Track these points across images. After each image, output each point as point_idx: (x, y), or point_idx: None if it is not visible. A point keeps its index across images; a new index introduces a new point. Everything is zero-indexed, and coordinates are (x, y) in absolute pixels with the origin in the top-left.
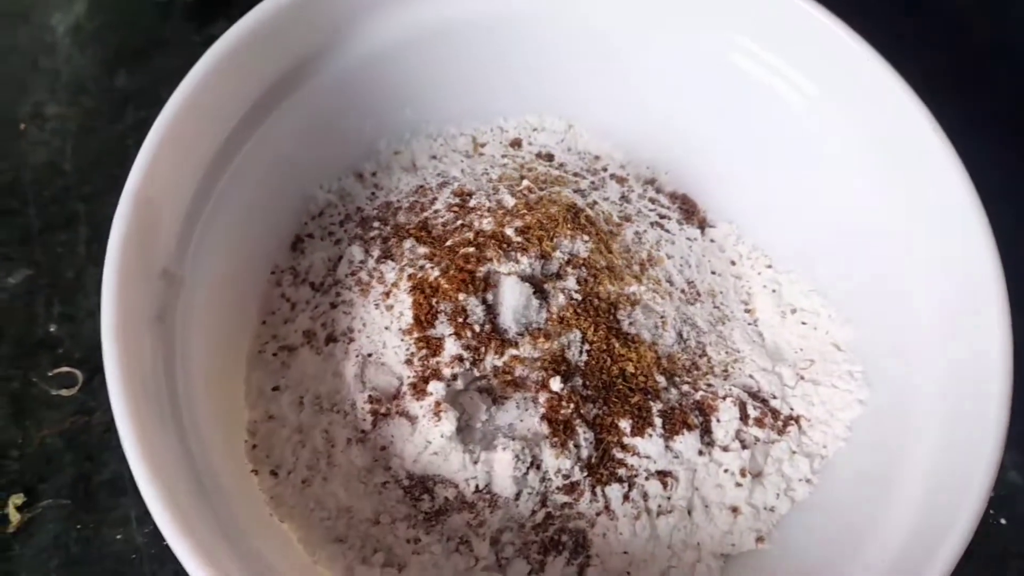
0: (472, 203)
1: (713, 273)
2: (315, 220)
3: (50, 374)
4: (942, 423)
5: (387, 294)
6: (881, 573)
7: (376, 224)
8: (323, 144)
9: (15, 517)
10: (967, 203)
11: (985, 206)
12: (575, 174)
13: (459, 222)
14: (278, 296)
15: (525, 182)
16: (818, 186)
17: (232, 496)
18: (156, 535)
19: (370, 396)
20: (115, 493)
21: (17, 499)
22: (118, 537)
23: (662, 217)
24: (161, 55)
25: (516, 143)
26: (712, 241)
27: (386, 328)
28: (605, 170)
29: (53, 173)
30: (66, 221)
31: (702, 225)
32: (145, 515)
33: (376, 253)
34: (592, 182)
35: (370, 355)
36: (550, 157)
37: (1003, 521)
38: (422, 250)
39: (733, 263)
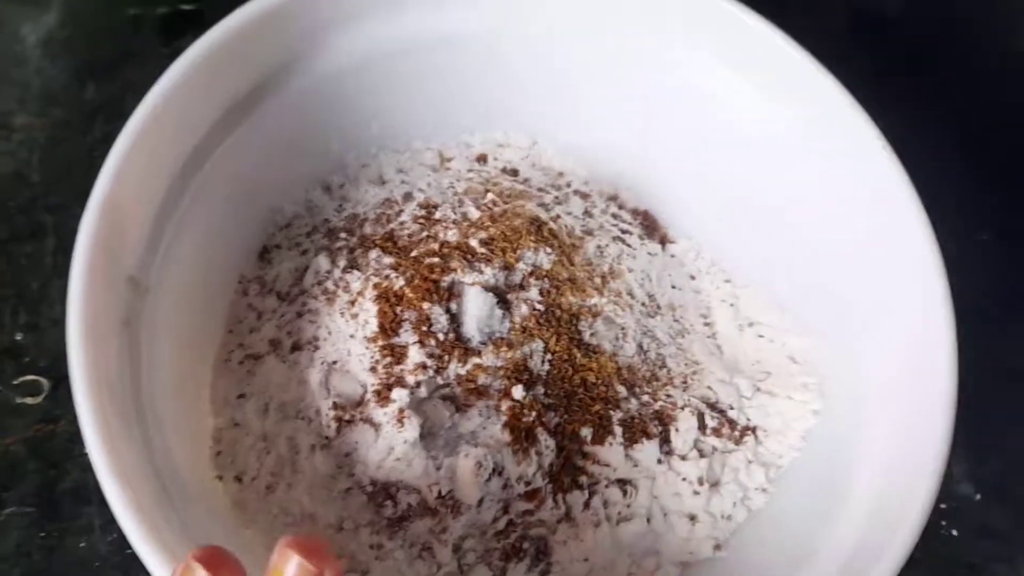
0: (437, 215)
1: (673, 287)
2: (282, 231)
3: (15, 382)
4: (889, 434)
5: (352, 303)
6: None
7: (343, 235)
8: (290, 157)
9: None
10: (912, 214)
11: (931, 213)
12: (539, 189)
13: (424, 233)
14: (245, 305)
15: (490, 195)
16: (771, 199)
17: (196, 502)
18: (120, 543)
19: (334, 403)
20: (79, 502)
21: None
22: (81, 545)
23: (624, 232)
24: (131, 68)
25: (482, 158)
26: (672, 256)
27: (351, 336)
28: (568, 186)
29: (20, 184)
30: (32, 232)
31: (663, 240)
32: (109, 523)
33: (342, 263)
34: (556, 197)
35: (335, 363)
36: (515, 172)
37: (954, 532)
38: (388, 260)
39: (693, 277)
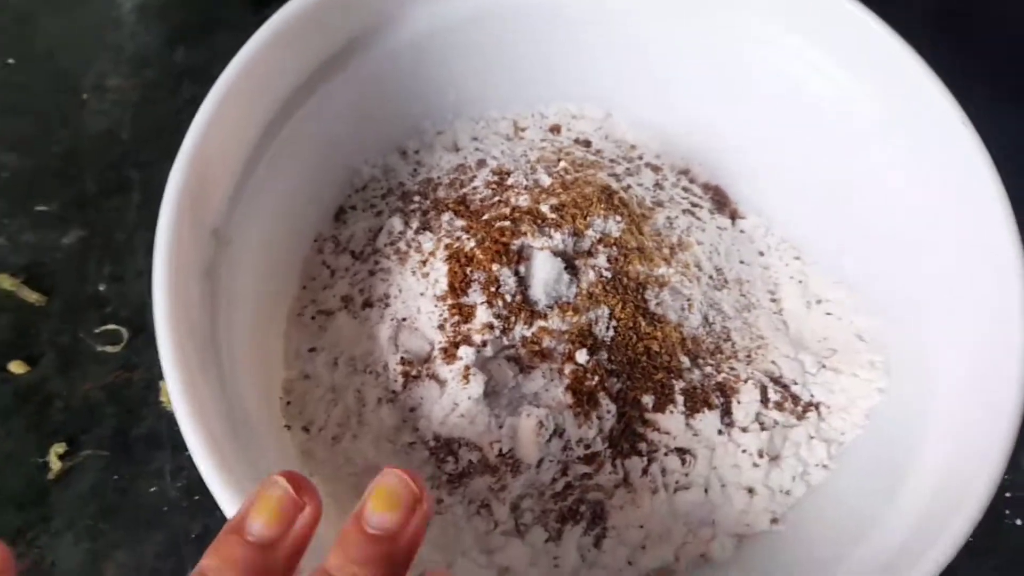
0: (510, 181)
1: (741, 262)
2: (359, 193)
3: (97, 331)
4: (956, 419)
5: (424, 262)
6: (881, 563)
7: (416, 198)
8: (369, 121)
9: (56, 465)
10: (994, 199)
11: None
12: (611, 160)
13: (496, 198)
14: (319, 263)
15: (562, 163)
16: (847, 178)
17: (266, 448)
18: (188, 490)
19: (402, 358)
20: (152, 447)
21: (59, 448)
22: (152, 490)
23: (694, 206)
24: (220, 34)
25: (555, 129)
26: (742, 232)
27: (421, 294)
28: (640, 158)
29: (111, 142)
30: (120, 187)
31: (733, 216)
32: (179, 470)
33: (415, 224)
34: (627, 168)
35: (404, 320)
36: (587, 143)
37: (1018, 522)
38: (459, 223)
39: (761, 253)
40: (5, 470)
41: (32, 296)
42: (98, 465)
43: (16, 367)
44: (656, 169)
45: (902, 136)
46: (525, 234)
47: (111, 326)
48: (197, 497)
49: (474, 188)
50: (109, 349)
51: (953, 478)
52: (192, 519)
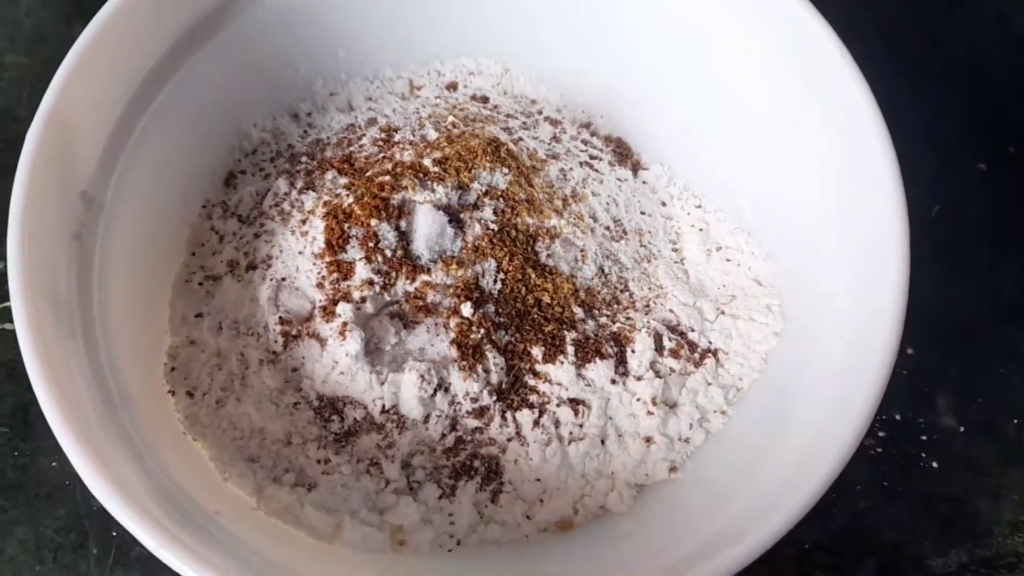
0: (396, 137)
1: (643, 213)
2: (248, 157)
3: None
4: (842, 352)
5: (304, 221)
6: (770, 493)
7: (304, 159)
8: (256, 83)
9: None
10: (878, 145)
11: (900, 148)
12: (507, 115)
13: (381, 155)
14: (207, 229)
15: (451, 118)
16: (743, 126)
17: (144, 415)
18: None
19: (280, 318)
20: None
21: None
22: (53, 464)
23: (593, 158)
24: None
25: (452, 86)
26: (644, 183)
27: (300, 253)
28: (540, 113)
29: (9, 120)
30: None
31: (635, 167)
32: None
33: (299, 185)
34: (523, 123)
35: (284, 279)
36: (485, 99)
37: (935, 464)
38: (342, 180)
39: (664, 204)
40: None
41: None
42: None
43: None
44: (555, 123)
45: (787, 75)
46: (406, 188)
47: (8, 304)
48: None
49: (361, 146)
50: (8, 327)
51: (837, 408)
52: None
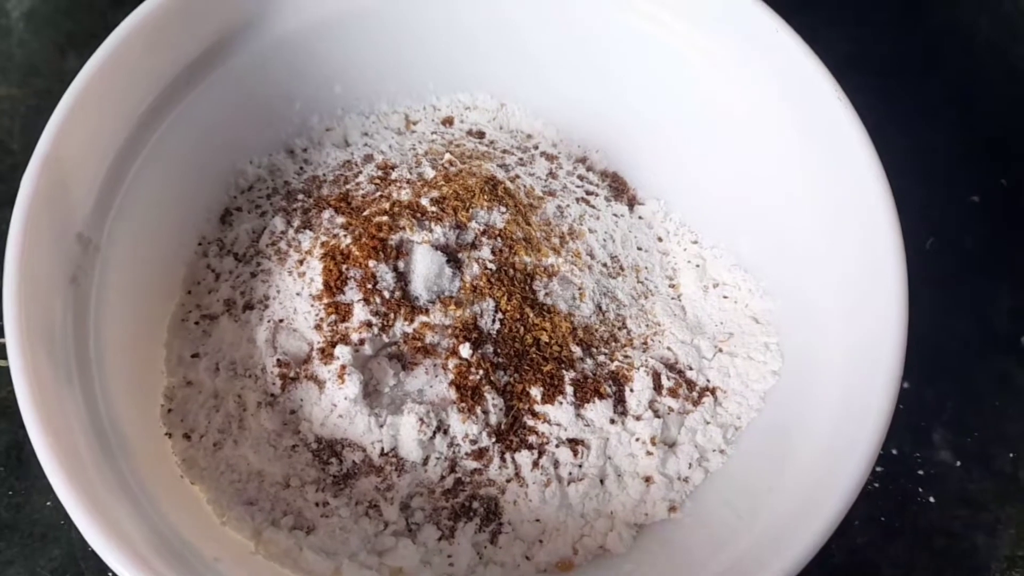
0: (393, 175)
1: (639, 249)
2: (244, 194)
3: None
4: (841, 393)
5: (301, 261)
6: (771, 537)
7: (300, 197)
8: (252, 119)
9: None
10: (872, 179)
11: (893, 182)
12: (504, 151)
13: (378, 193)
14: (204, 267)
15: (447, 155)
16: (739, 162)
17: (141, 459)
18: None
19: (279, 360)
20: None
21: None
22: (48, 504)
23: (589, 193)
24: None
25: (448, 121)
26: (640, 218)
27: (297, 294)
28: (536, 147)
29: (1, 152)
30: (10, 199)
31: (631, 202)
32: None
33: (296, 223)
34: (520, 158)
35: (282, 321)
36: (481, 135)
37: (931, 499)
38: (340, 220)
39: (660, 239)
40: None
41: None
42: None
43: None
44: (551, 158)
45: (781, 112)
46: (404, 228)
47: (3, 341)
48: None
49: (358, 184)
50: (2, 363)
51: (835, 450)
52: None
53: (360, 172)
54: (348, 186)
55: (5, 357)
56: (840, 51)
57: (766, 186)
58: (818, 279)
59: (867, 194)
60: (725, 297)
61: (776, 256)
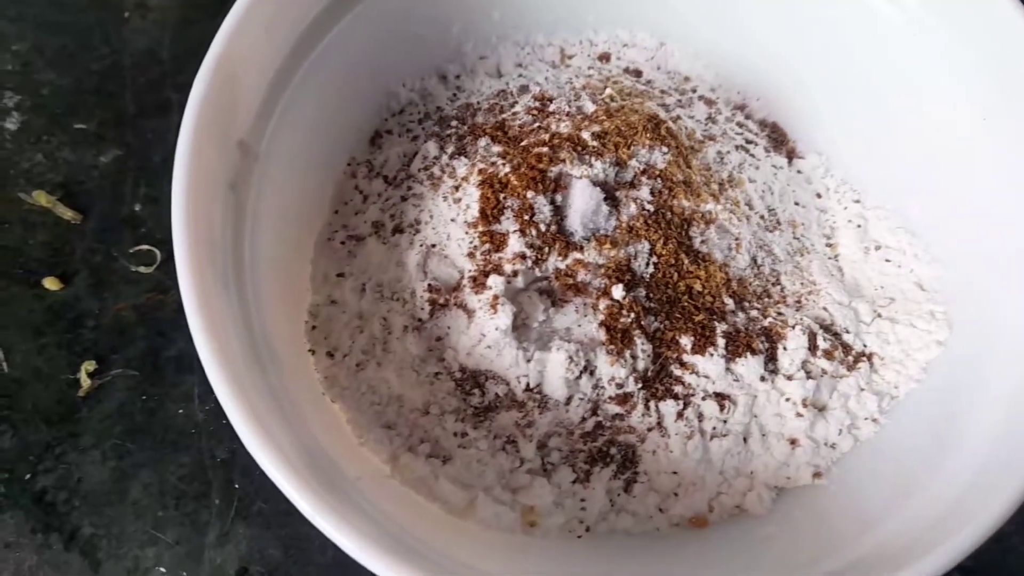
0: (552, 107)
1: (796, 204)
2: (395, 117)
3: (131, 251)
4: (1016, 380)
5: (456, 188)
6: (926, 523)
7: (454, 123)
8: (407, 42)
9: (86, 382)
10: None
11: None
12: (662, 91)
13: (536, 124)
14: (352, 187)
15: (608, 91)
16: (915, 115)
17: (287, 370)
18: (216, 413)
19: (430, 286)
20: (181, 370)
21: (89, 365)
22: (180, 411)
23: (748, 142)
24: None
25: (604, 57)
26: (799, 172)
27: (452, 220)
28: (694, 91)
29: (151, 61)
30: (159, 108)
31: (791, 155)
32: (207, 393)
33: (450, 150)
34: (679, 100)
35: (434, 246)
36: (638, 73)
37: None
38: (496, 148)
39: (819, 196)
40: (36, 386)
41: (68, 214)
42: (127, 385)
43: (50, 283)
44: (710, 103)
45: (976, 70)
46: (564, 161)
47: (145, 247)
48: (225, 421)
49: (514, 114)
50: (143, 270)
51: (1009, 444)
52: (219, 443)
53: (516, 102)
54: (504, 115)
55: (144, 264)
56: None
57: (950, 148)
58: (998, 248)
59: None
60: (888, 261)
61: (952, 221)
